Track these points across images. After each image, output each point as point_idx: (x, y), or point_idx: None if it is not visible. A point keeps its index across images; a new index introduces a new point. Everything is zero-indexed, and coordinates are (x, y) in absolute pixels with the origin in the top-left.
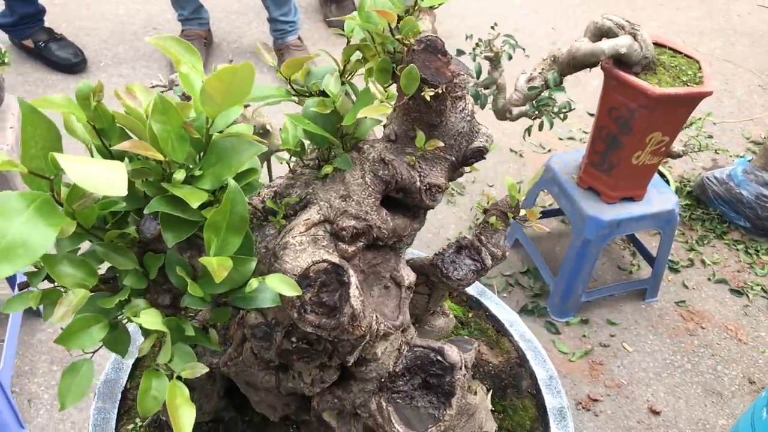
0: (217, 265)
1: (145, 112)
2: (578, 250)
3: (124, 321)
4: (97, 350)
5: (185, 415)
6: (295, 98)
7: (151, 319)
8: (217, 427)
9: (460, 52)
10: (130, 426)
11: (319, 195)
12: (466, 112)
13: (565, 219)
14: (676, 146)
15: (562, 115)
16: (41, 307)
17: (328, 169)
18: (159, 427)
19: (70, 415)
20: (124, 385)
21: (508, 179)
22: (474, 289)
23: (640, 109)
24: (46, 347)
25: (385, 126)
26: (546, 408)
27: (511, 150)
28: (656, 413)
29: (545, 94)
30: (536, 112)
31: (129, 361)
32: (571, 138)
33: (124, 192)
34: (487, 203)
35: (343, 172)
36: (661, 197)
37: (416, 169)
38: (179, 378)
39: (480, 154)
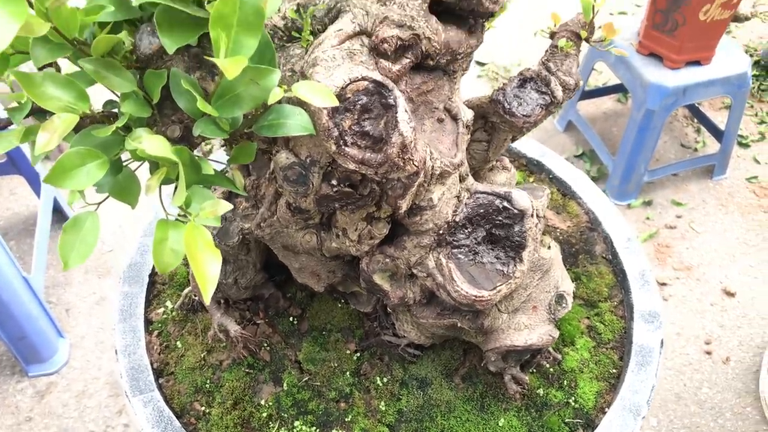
0: (227, 63)
1: None
2: (640, 124)
3: (131, 164)
4: (104, 201)
5: (209, 262)
6: None
7: (156, 144)
8: (256, 306)
9: None
10: (161, 310)
11: (352, 0)
12: None
13: (621, 98)
14: (743, 9)
15: None
16: (71, 214)
17: None
18: (192, 310)
19: (110, 323)
20: (151, 269)
21: None
22: (534, 150)
23: None
24: None
25: None
26: (625, 272)
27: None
28: (731, 295)
29: None
30: None
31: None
32: (622, 13)
33: None
34: (555, 24)
35: None
36: (731, 59)
37: None
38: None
39: None
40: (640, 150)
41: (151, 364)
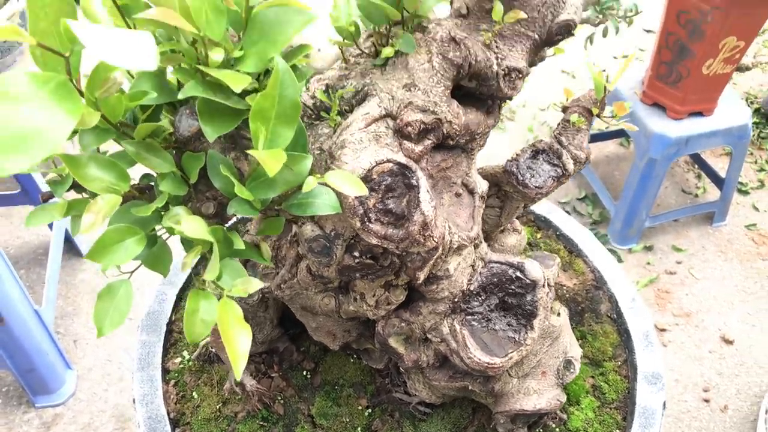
0: (269, 157)
1: None
2: (642, 171)
3: (165, 236)
4: (136, 269)
5: (240, 337)
6: None
7: (194, 226)
8: (271, 359)
9: None
10: (177, 360)
11: (378, 85)
12: None
13: (623, 142)
14: (744, 59)
15: (628, 20)
16: (80, 244)
17: (388, 51)
18: (208, 361)
19: (117, 355)
20: (168, 317)
21: (590, 66)
22: (541, 207)
23: (713, 11)
24: (89, 287)
25: (451, 2)
26: (629, 332)
27: (563, 71)
28: (729, 342)
29: None
30: (600, 17)
31: (173, 292)
32: (626, 57)
33: (153, 65)
34: (567, 99)
35: (405, 56)
36: (732, 111)
37: (492, 50)
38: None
39: (568, 29)
40: (642, 197)
41: (168, 414)
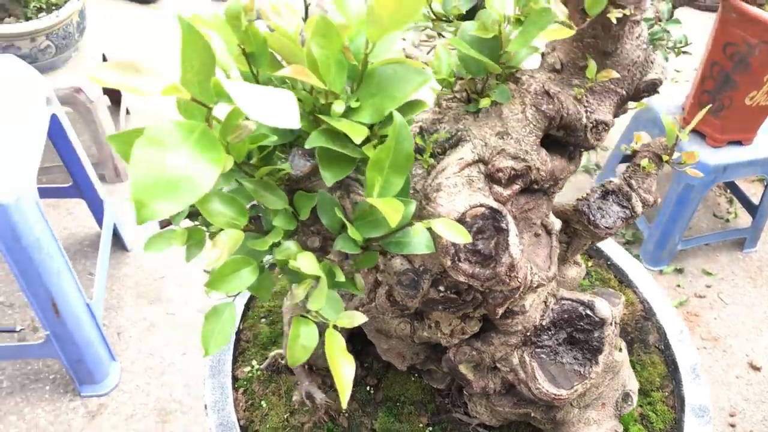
0: (387, 206)
1: (294, 34)
2: (679, 196)
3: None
4: (239, 293)
5: (345, 366)
6: (430, 24)
7: (308, 262)
8: None
9: None
10: (247, 369)
11: (472, 132)
12: (642, 38)
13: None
14: None
15: (676, 50)
16: (126, 239)
17: (486, 102)
18: (276, 371)
19: (159, 350)
20: (237, 327)
21: (665, 117)
22: None
23: (761, 45)
24: (132, 281)
25: (543, 55)
26: (677, 364)
27: None
28: (757, 369)
29: (658, 27)
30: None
31: (240, 302)
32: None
33: (297, 123)
34: (637, 143)
35: (499, 105)
36: None
37: (583, 104)
38: (335, 327)
39: (654, 87)
40: (676, 221)
41: (238, 420)
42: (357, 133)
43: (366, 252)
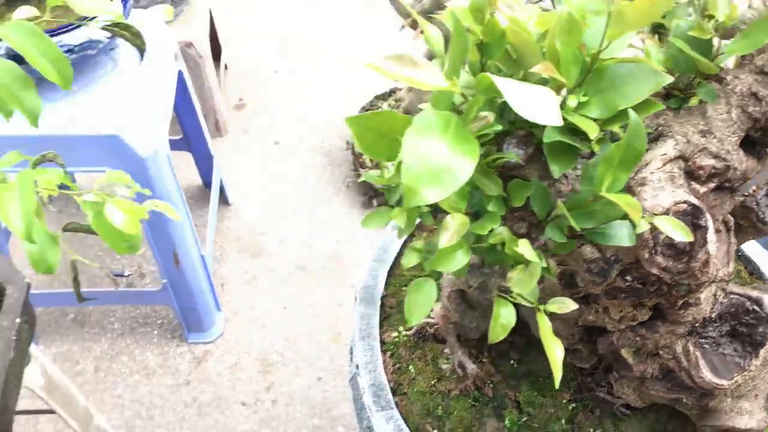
0: (626, 203)
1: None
2: None
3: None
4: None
5: (556, 348)
6: None
7: (527, 249)
8: (482, 346)
9: None
10: (394, 334)
11: (674, 128)
12: None
13: None
14: None
15: None
16: (229, 193)
17: (694, 100)
18: (423, 338)
19: (260, 303)
20: (382, 292)
21: None
22: None
23: None
24: (234, 235)
25: (744, 57)
26: None
27: None
28: None
29: None
30: None
31: (384, 269)
32: None
33: (559, 121)
34: None
35: (704, 104)
36: None
37: None
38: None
39: None
40: None
41: (388, 382)
42: (591, 128)
43: (566, 243)
